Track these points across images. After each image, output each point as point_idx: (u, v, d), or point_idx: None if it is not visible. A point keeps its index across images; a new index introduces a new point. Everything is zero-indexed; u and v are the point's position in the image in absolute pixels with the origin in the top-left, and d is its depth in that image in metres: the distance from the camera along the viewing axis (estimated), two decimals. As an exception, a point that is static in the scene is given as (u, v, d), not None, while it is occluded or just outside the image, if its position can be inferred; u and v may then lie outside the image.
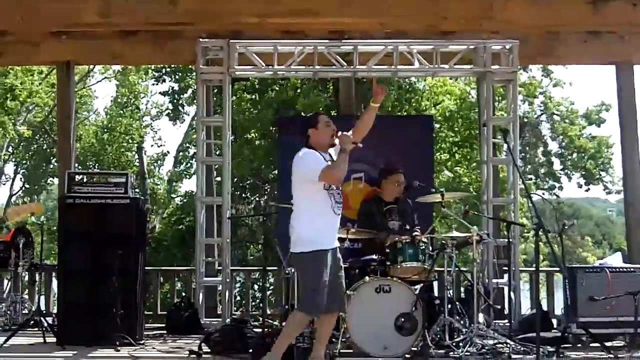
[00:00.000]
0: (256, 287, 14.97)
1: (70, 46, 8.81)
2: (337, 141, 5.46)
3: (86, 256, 7.00)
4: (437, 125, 18.82)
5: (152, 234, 22.01)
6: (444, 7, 8.21)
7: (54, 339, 6.91)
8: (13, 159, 26.41)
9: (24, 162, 26.32)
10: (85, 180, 7.26)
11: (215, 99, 10.78)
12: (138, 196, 7.52)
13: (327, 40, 8.46)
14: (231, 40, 8.28)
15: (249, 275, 9.97)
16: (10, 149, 25.62)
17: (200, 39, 8.31)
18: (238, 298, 13.36)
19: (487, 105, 8.56)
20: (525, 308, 8.36)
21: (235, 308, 9.78)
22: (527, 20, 8.24)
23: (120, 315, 6.70)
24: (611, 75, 9.19)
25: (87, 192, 7.12)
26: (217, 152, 9.51)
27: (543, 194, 22.30)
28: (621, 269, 7.15)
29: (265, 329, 6.60)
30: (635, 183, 8.88)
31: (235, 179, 19.45)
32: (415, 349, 6.40)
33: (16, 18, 8.26)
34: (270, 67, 8.42)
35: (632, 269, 7.20)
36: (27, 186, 27.09)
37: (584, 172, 22.63)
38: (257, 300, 14.88)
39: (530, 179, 23.07)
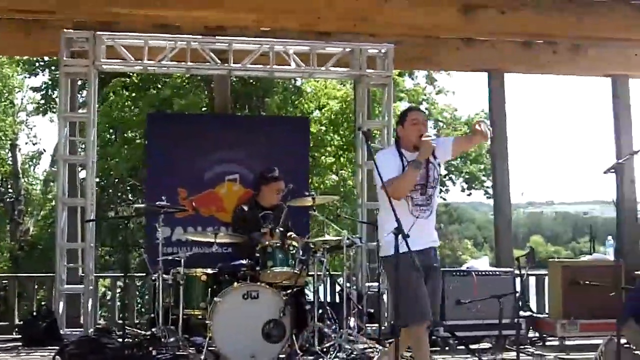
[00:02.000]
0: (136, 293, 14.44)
1: None
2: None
3: None
4: (323, 129, 18.83)
5: (26, 237, 21.01)
6: (321, 6, 8.11)
7: None
8: None
9: None
10: None
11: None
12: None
13: (200, 36, 8.19)
14: (98, 32, 7.86)
15: (115, 282, 9.51)
16: None
17: (65, 30, 7.85)
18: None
19: (362, 109, 8.53)
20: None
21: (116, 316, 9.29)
22: (404, 25, 8.27)
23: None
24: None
25: None
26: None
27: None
28: (487, 273, 7.28)
29: (126, 340, 6.24)
30: (504, 190, 9.10)
31: (116, 180, 18.81)
32: (283, 356, 6.25)
33: None
34: (140, 61, 8.06)
35: (497, 272, 7.34)
36: None
37: (467, 177, 23.30)
38: (138, 307, 14.36)
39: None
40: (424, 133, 4.84)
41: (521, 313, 7.30)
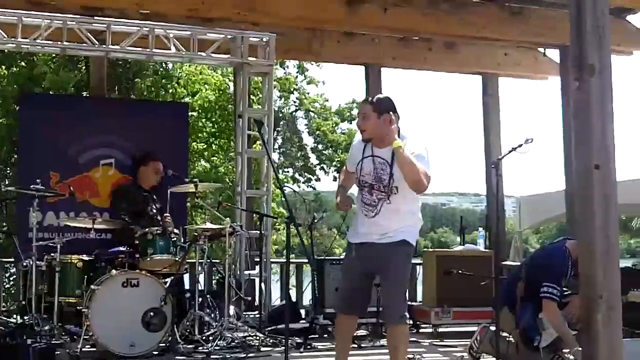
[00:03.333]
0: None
1: None
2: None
3: None
4: (195, 114, 18.60)
5: None
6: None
7: None
8: None
9: None
10: None
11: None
12: None
13: (78, 16, 7.90)
14: (-33, 7, 7.44)
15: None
16: None
17: None
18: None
19: (243, 97, 8.53)
20: (275, 299, 8.47)
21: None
22: (288, 15, 8.30)
23: None
24: (362, 74, 9.64)
25: None
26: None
27: (299, 187, 23.11)
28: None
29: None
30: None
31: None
32: (163, 345, 6.19)
33: None
34: (14, 39, 7.68)
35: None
36: None
37: (338, 166, 23.73)
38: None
39: (288, 172, 23.74)
40: (360, 125, 4.81)
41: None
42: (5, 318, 6.99)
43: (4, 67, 16.42)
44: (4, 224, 11.28)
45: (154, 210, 7.19)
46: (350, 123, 23.96)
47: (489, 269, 7.27)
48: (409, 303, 8.10)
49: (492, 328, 5.58)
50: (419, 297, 8.87)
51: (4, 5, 7.70)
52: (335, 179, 24.23)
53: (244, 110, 8.49)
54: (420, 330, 7.81)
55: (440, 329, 7.65)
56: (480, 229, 8.67)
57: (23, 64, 16.30)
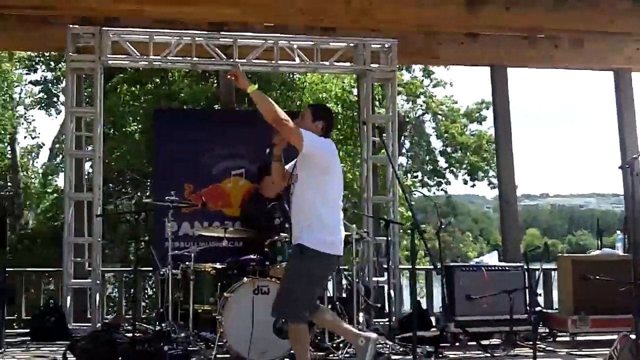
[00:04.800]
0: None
1: None
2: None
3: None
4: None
5: (25, 231, 20.92)
6: (324, 2, 8.13)
7: None
8: None
9: None
10: None
11: (91, 89, 10.18)
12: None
13: (205, 32, 8.21)
14: (104, 28, 7.89)
15: (121, 276, 9.54)
16: None
17: (71, 25, 7.86)
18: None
19: (366, 103, 8.56)
20: (406, 306, 8.40)
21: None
22: (406, 19, 8.29)
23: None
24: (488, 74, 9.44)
25: None
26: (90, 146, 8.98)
27: (429, 190, 22.86)
28: (497, 268, 7.27)
29: (136, 334, 6.24)
30: (510, 181, 9.12)
31: (116, 174, 18.75)
32: (294, 351, 6.25)
33: None
34: (145, 57, 8.08)
35: (507, 268, 7.33)
36: None
37: (468, 168, 23.20)
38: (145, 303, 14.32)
39: (417, 176, 23.51)
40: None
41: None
42: (145, 325, 7.33)
43: (138, 86, 17.25)
44: (145, 234, 11.80)
45: (278, 221, 7.29)
46: (480, 124, 23.36)
47: (628, 274, 6.85)
48: (545, 310, 7.87)
49: (633, 337, 5.28)
50: (555, 305, 8.51)
51: (135, 25, 8.12)
52: (465, 182, 23.76)
53: (368, 117, 8.52)
54: (557, 339, 7.48)
55: (578, 338, 7.30)
56: (618, 231, 8.22)
57: (157, 80, 17.07)
